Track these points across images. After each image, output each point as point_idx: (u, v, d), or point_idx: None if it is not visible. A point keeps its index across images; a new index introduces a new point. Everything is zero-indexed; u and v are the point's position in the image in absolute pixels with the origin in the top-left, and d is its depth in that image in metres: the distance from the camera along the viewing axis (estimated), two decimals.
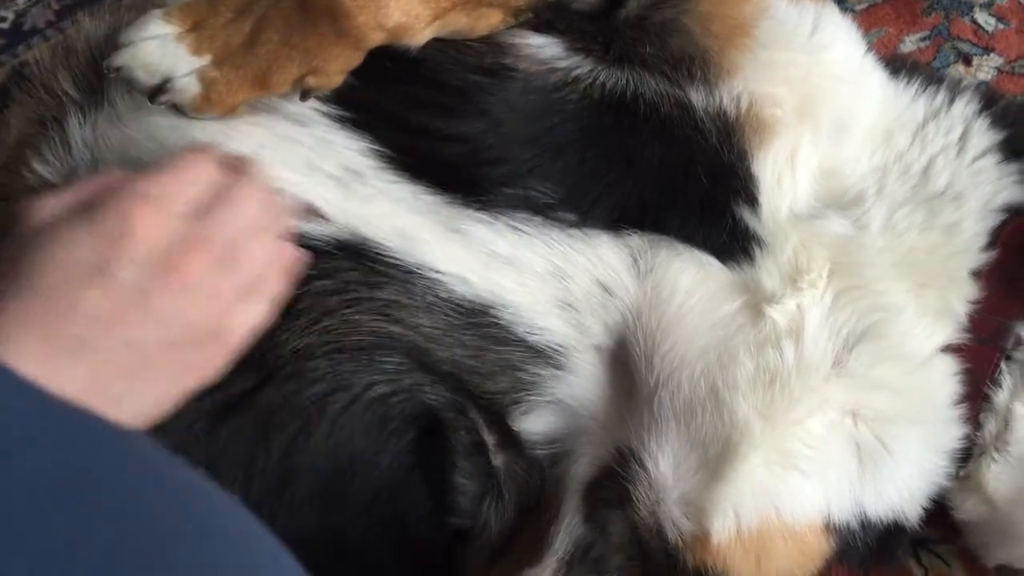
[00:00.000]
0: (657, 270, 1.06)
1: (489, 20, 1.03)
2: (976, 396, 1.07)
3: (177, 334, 0.84)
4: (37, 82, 1.14)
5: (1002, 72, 1.52)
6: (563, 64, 1.05)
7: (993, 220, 1.08)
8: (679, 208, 1.06)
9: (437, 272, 1.03)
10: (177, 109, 1.02)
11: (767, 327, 1.04)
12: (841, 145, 1.10)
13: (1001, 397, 1.07)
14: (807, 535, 1.05)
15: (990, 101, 1.14)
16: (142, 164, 1.04)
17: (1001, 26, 1.55)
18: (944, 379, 1.07)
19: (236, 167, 0.93)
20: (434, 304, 1.03)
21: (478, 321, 1.04)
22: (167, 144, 1.05)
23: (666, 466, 1.05)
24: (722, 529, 1.03)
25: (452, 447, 1.04)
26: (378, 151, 1.04)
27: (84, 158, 1.10)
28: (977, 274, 1.07)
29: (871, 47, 1.16)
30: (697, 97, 1.05)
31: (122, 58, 1.01)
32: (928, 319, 1.06)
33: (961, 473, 1.09)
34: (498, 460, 1.06)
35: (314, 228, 1.02)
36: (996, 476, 1.07)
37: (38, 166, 1.11)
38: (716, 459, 1.03)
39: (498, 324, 1.05)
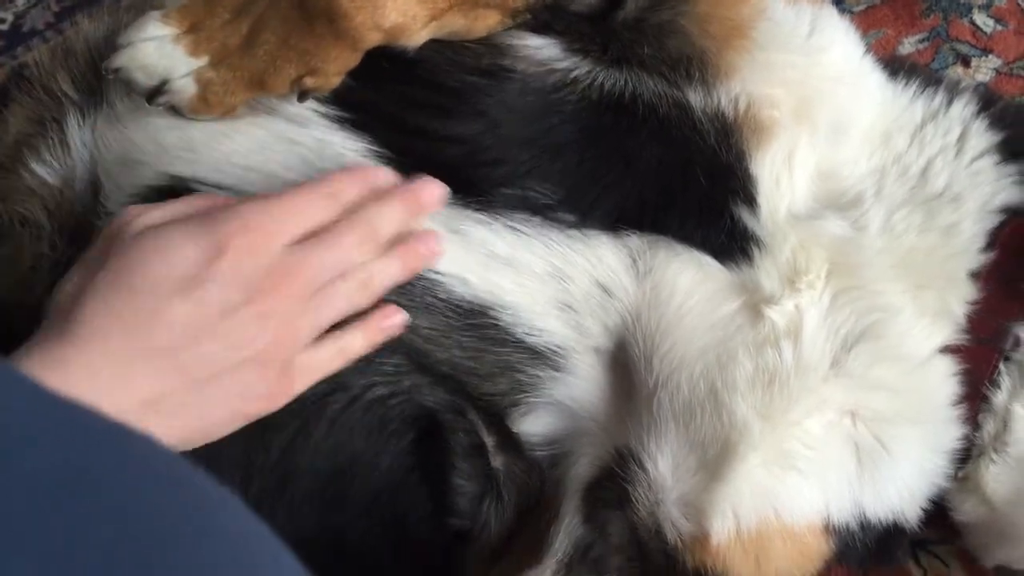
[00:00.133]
0: (656, 271, 1.06)
1: (486, 21, 1.03)
2: (975, 397, 1.07)
3: (247, 358, 0.87)
4: (36, 83, 1.14)
5: (1000, 73, 1.52)
6: (561, 65, 1.05)
7: (991, 221, 1.08)
8: (678, 209, 1.06)
9: (436, 273, 1.03)
10: (175, 110, 1.02)
11: (766, 328, 1.04)
12: (839, 146, 1.10)
13: (1000, 398, 1.07)
14: (806, 536, 1.05)
15: (988, 102, 1.14)
16: (140, 165, 1.05)
17: (1000, 27, 1.55)
18: (943, 380, 1.07)
19: (387, 195, 0.96)
20: (433, 305, 1.03)
21: (477, 322, 1.04)
22: (165, 144, 1.05)
23: (665, 467, 1.05)
24: (721, 530, 1.03)
25: (451, 448, 1.04)
26: (377, 152, 1.04)
27: (83, 159, 1.10)
28: (975, 275, 1.07)
29: (869, 48, 1.16)
30: (695, 98, 1.05)
31: (120, 59, 1.01)
32: (926, 320, 1.06)
33: (960, 474, 1.09)
34: (497, 461, 1.06)
35: None
36: (995, 477, 1.07)
37: (36, 166, 1.11)
38: (715, 460, 1.03)
39: (497, 325, 1.05)
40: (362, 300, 0.95)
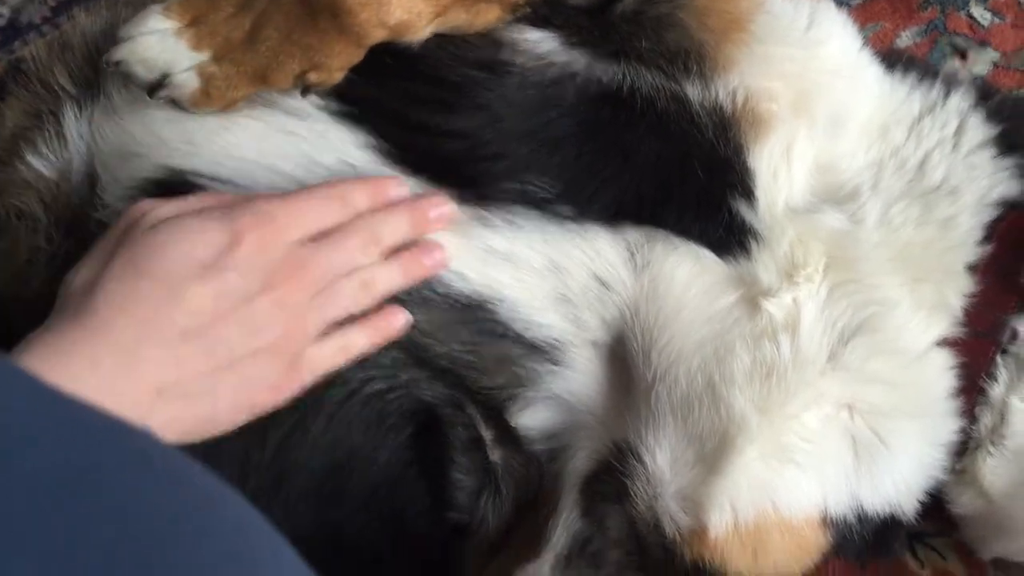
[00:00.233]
0: (654, 264, 1.05)
1: (487, 16, 1.03)
2: (972, 390, 1.07)
3: (260, 347, 0.90)
4: (33, 77, 1.14)
5: (998, 66, 1.52)
6: (560, 59, 1.05)
7: (989, 214, 1.08)
8: (675, 202, 1.06)
9: None
10: (176, 104, 1.02)
11: (763, 321, 1.04)
12: (837, 140, 1.10)
13: (997, 391, 1.07)
14: (804, 529, 1.05)
15: (986, 95, 1.14)
16: (138, 158, 1.05)
17: (997, 20, 1.54)
18: (940, 373, 1.07)
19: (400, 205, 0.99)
20: (430, 299, 1.03)
21: (475, 316, 1.04)
22: (163, 137, 1.05)
23: (663, 460, 1.05)
24: (719, 523, 1.03)
25: (450, 442, 1.04)
26: (376, 146, 1.04)
27: (80, 151, 1.10)
28: (973, 268, 1.07)
29: (867, 42, 1.15)
30: (693, 92, 1.05)
31: (121, 52, 1.01)
32: (923, 313, 1.06)
33: (957, 467, 1.09)
34: (496, 455, 1.07)
35: None
36: (992, 470, 1.07)
37: (32, 159, 1.11)
38: (713, 453, 1.03)
39: (495, 319, 1.05)
40: (364, 300, 0.97)
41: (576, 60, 1.05)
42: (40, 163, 1.11)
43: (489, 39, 1.04)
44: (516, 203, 1.04)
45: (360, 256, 0.96)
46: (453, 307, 1.03)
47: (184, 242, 0.88)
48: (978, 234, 1.07)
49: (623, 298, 1.06)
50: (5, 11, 1.71)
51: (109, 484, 0.52)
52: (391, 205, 0.99)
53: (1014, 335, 1.08)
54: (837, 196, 1.09)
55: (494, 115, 1.03)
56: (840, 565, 1.15)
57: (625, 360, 1.07)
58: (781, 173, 1.08)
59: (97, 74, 1.10)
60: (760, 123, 1.06)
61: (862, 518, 1.07)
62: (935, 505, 1.12)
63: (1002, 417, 1.07)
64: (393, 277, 0.98)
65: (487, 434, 1.06)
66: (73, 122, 1.10)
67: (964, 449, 1.09)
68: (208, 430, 0.89)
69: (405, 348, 1.03)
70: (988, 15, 1.55)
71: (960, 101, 1.13)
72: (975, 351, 1.07)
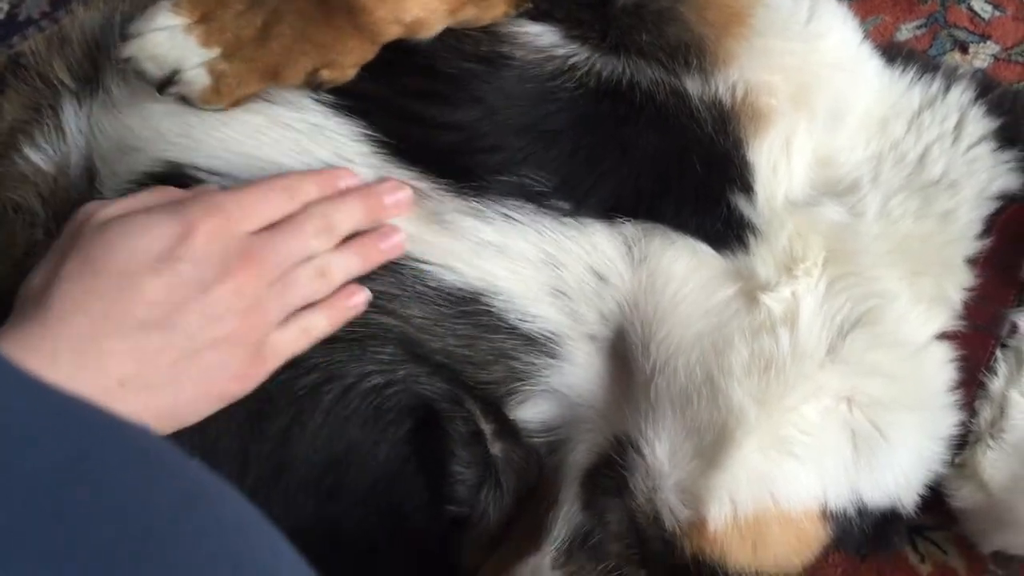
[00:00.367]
0: (651, 258, 1.05)
1: (494, 11, 1.02)
2: (971, 383, 1.07)
3: (222, 335, 0.90)
4: (32, 71, 1.14)
5: (998, 60, 1.52)
6: (560, 52, 1.05)
7: (988, 208, 1.08)
8: (674, 196, 1.06)
9: (422, 262, 1.03)
10: (185, 100, 1.02)
11: (762, 314, 1.04)
12: (836, 133, 1.10)
13: (996, 384, 1.07)
14: (803, 522, 1.05)
15: (986, 89, 1.14)
16: (137, 151, 1.05)
17: (997, 13, 1.54)
18: (939, 366, 1.07)
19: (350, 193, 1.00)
20: (424, 294, 1.03)
21: (469, 310, 1.04)
22: (161, 131, 1.05)
23: (663, 453, 1.05)
24: (718, 516, 1.03)
25: (449, 436, 1.04)
26: (373, 138, 1.04)
27: (78, 145, 1.10)
28: (972, 262, 1.07)
29: (867, 35, 1.15)
30: (693, 85, 1.05)
31: (131, 49, 1.00)
32: (923, 306, 1.06)
33: (957, 460, 1.09)
34: (496, 448, 1.07)
35: None
36: (992, 463, 1.07)
37: (30, 152, 1.11)
38: (712, 446, 1.03)
39: (489, 312, 1.05)
40: (321, 288, 0.98)
41: (576, 53, 1.05)
42: (38, 157, 1.11)
43: (488, 32, 1.04)
44: (512, 196, 1.03)
45: (314, 243, 0.97)
46: (447, 301, 1.04)
47: (135, 236, 0.89)
48: (977, 227, 1.07)
49: (621, 292, 1.06)
50: (4, 6, 1.71)
51: (109, 483, 0.52)
52: (343, 193, 1.00)
53: (1013, 329, 1.08)
54: (836, 189, 1.09)
55: (491, 108, 1.03)
56: (840, 558, 1.15)
57: (624, 353, 1.07)
58: (780, 167, 1.08)
59: (96, 68, 1.10)
60: (759, 117, 1.06)
61: (862, 511, 1.07)
62: (935, 498, 1.12)
63: (1001, 411, 1.07)
64: (350, 263, 0.99)
65: (487, 428, 1.06)
66: (72, 116, 1.10)
67: (964, 443, 1.09)
68: (169, 424, 0.90)
69: (401, 343, 1.03)
70: (989, 8, 1.55)
71: (960, 95, 1.12)
72: (974, 344, 1.07)
